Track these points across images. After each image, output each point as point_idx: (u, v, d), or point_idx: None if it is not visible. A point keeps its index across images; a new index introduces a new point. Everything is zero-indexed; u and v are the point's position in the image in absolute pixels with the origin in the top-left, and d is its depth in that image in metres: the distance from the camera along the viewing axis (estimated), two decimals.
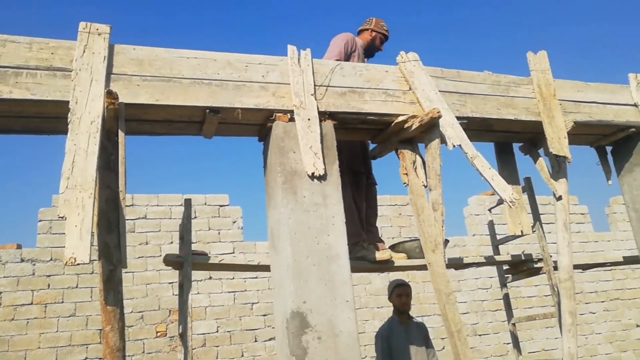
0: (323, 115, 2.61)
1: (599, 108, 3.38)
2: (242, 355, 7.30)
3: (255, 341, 7.42)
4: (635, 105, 3.47)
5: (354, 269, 3.67)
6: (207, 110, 2.54)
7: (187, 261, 3.03)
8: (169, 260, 3.13)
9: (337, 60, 3.32)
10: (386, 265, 3.56)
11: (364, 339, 7.91)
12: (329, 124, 2.61)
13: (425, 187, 2.89)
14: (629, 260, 5.12)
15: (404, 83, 2.85)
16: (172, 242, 7.53)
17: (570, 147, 3.30)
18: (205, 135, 2.78)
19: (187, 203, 3.21)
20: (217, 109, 2.54)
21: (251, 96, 2.60)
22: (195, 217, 7.78)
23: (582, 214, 10.18)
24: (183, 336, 2.95)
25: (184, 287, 2.99)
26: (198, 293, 7.39)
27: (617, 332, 9.58)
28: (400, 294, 4.44)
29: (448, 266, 4.05)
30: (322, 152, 2.55)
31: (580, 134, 3.49)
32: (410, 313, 4.60)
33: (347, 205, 3.66)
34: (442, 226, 2.83)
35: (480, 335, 8.68)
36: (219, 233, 7.85)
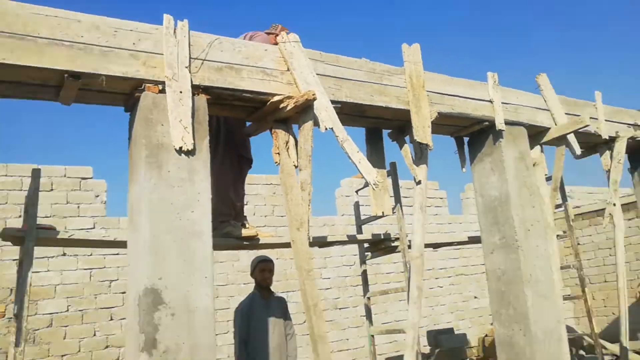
0: (197, 89, 2.47)
1: (460, 101, 3.64)
2: (95, 335, 6.86)
3: (111, 319, 7.01)
4: (490, 101, 3.80)
5: (220, 247, 3.61)
6: (66, 75, 2.28)
7: (29, 236, 2.75)
8: (8, 235, 2.81)
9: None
10: (252, 242, 3.54)
11: (228, 314, 7.87)
12: (202, 99, 2.48)
13: (296, 167, 2.91)
14: (472, 240, 5.69)
15: (282, 63, 2.81)
16: (20, 216, 6.76)
17: (433, 136, 3.52)
18: (63, 101, 2.52)
19: (35, 173, 2.91)
20: (78, 74, 2.30)
21: (119, 63, 2.39)
22: (52, 190, 7.05)
23: (440, 198, 11.10)
24: (18, 317, 2.69)
25: (24, 264, 2.72)
26: (48, 270, 6.76)
27: (459, 303, 10.72)
28: (263, 269, 4.47)
29: (313, 244, 4.16)
30: (193, 126, 2.41)
31: (443, 124, 3.73)
32: (277, 289, 4.67)
33: (223, 183, 3.56)
34: (309, 205, 2.87)
35: (340, 308, 9.13)
36: (79, 207, 7.21)
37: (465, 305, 10.81)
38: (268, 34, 3.70)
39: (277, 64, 2.77)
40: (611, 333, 9.56)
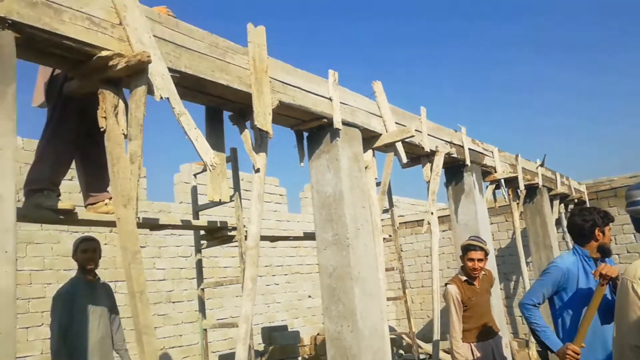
0: (2, 23, 2.12)
1: (302, 94, 3.72)
2: None
3: None
4: (330, 99, 3.95)
5: (28, 218, 3.21)
6: None
7: None
8: None
9: None
10: (69, 217, 3.21)
11: (43, 304, 7.09)
12: (8, 35, 2.13)
13: (125, 136, 2.69)
14: (307, 237, 5.87)
15: (114, 15, 2.56)
16: None
17: (274, 127, 3.54)
18: None
19: None
20: None
21: None
22: None
23: (280, 195, 11.31)
24: None
25: None
26: None
27: (293, 302, 11.00)
28: (85, 249, 4.12)
29: (142, 225, 3.92)
30: None
31: (284, 114, 3.78)
32: (104, 278, 4.32)
33: (58, 148, 3.17)
34: (138, 180, 2.68)
35: (174, 302, 8.77)
36: None
37: (299, 304, 11.13)
38: None
39: (107, 14, 2.52)
40: (426, 333, 10.62)
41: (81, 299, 4.02)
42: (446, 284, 4.27)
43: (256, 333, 8.99)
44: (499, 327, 4.46)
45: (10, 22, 2.12)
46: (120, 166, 2.65)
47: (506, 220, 10.62)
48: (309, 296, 11.30)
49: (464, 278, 4.23)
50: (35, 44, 2.30)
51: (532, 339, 7.85)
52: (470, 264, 4.16)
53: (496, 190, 6.97)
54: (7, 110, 2.15)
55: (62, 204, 3.18)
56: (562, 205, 9.18)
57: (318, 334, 9.79)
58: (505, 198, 7.14)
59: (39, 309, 7.08)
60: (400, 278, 6.53)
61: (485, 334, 4.23)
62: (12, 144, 2.16)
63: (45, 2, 2.25)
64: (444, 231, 10.73)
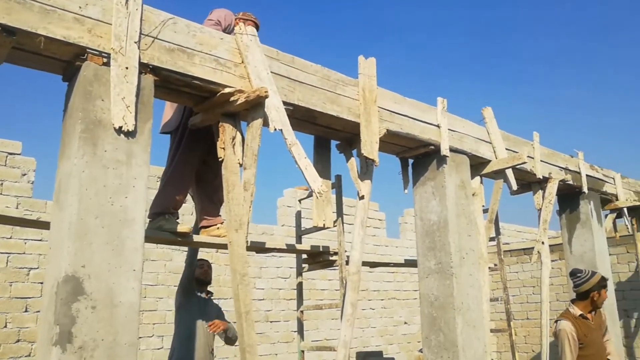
0: (144, 68, 2.36)
1: (409, 122, 3.70)
2: (6, 326, 6.39)
3: (26, 311, 6.56)
4: (438, 126, 3.89)
5: (151, 239, 3.47)
6: (0, 29, 2.11)
7: None
8: None
9: (215, 25, 3.12)
10: (186, 239, 3.43)
11: (155, 317, 7.59)
12: (149, 79, 2.37)
13: (241, 165, 2.84)
14: (408, 263, 5.76)
15: (237, 55, 2.75)
16: None
17: (380, 154, 3.55)
18: None
19: None
20: (14, 29, 2.12)
21: (61, 26, 2.23)
22: None
23: (379, 219, 11.24)
24: None
25: None
26: None
27: (389, 327, 10.81)
28: (201, 264, 4.43)
29: (250, 249, 4.08)
30: (136, 106, 2.31)
31: (390, 142, 3.78)
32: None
33: (176, 177, 3.44)
34: (250, 207, 2.81)
35: (271, 322, 8.98)
36: (2, 184, 6.76)
37: (395, 330, 10.91)
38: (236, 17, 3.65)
39: (231, 54, 2.71)
40: None
41: (194, 304, 4.28)
42: (557, 320, 3.92)
43: (351, 357, 8.93)
44: None
45: (151, 67, 2.34)
46: (235, 193, 2.80)
47: (627, 252, 9.68)
48: (405, 322, 11.04)
49: (579, 313, 3.86)
50: (169, 84, 2.53)
51: None
52: (605, 295, 3.82)
53: (617, 219, 6.41)
54: (143, 144, 2.37)
55: (181, 227, 3.41)
56: None
57: None
58: (628, 228, 6.54)
59: (150, 320, 7.58)
60: (505, 309, 6.16)
61: None
62: (145, 173, 2.37)
63: (180, 47, 2.46)
64: (553, 261, 10.02)
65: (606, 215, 6.27)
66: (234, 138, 2.86)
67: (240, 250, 2.77)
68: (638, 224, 6.87)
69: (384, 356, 9.21)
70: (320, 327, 9.61)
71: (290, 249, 4.42)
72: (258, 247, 4.24)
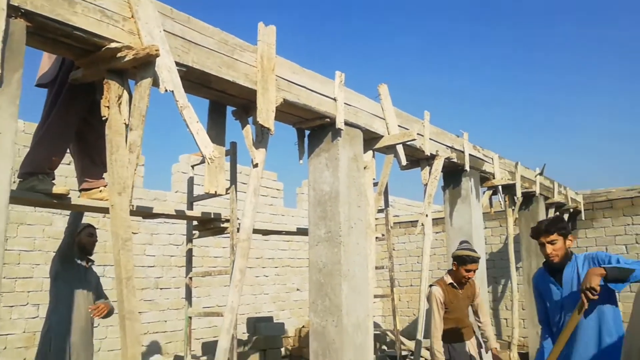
0: (15, 11, 2.11)
1: (307, 93, 3.71)
2: None
3: None
4: (334, 99, 3.95)
5: (20, 200, 3.20)
6: None
7: None
8: None
9: None
10: (63, 201, 3.20)
11: (30, 284, 7.09)
12: (20, 24, 2.12)
13: (127, 126, 2.69)
14: (300, 232, 5.89)
15: (126, 9, 2.55)
16: None
17: (276, 124, 3.54)
18: None
19: None
20: None
21: None
22: None
23: (277, 189, 11.31)
24: None
25: None
26: None
27: (281, 294, 11.05)
28: (91, 233, 4.21)
29: (135, 213, 3.92)
30: (3, 53, 2.07)
31: (287, 112, 3.78)
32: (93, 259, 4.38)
33: (58, 133, 3.15)
34: (135, 169, 2.68)
35: (161, 288, 8.78)
36: None
37: (287, 296, 11.17)
38: None
39: (120, 7, 2.50)
40: (411, 331, 10.71)
41: (74, 272, 4.06)
42: (431, 285, 4.34)
43: (241, 322, 9.03)
44: (477, 333, 4.53)
45: (23, 11, 2.10)
46: (119, 155, 2.65)
47: (500, 226, 10.68)
48: (298, 289, 11.34)
49: (450, 281, 4.28)
50: (45, 32, 2.29)
51: (514, 342, 7.95)
52: (466, 274, 4.19)
53: (493, 196, 7.01)
54: (10, 95, 2.14)
55: (57, 189, 3.17)
56: (558, 214, 9.24)
57: (303, 327, 9.84)
58: (501, 204, 7.18)
59: (25, 288, 7.08)
60: (389, 276, 6.57)
61: (462, 336, 4.34)
62: (12, 127, 2.16)
63: None
64: (437, 233, 10.79)
65: (484, 192, 6.83)
66: (120, 97, 2.68)
67: (123, 215, 2.65)
68: (510, 201, 7.58)
69: (275, 321, 9.43)
70: (213, 294, 9.57)
71: (179, 215, 4.31)
72: (145, 212, 4.08)
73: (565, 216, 9.63)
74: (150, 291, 8.62)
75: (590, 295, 2.64)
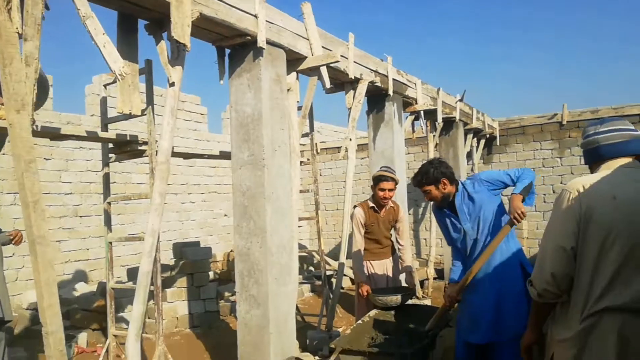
0: None
1: (226, 8, 3.50)
2: None
3: None
4: (255, 16, 3.76)
5: None
6: None
7: None
8: None
9: None
10: None
11: None
12: None
13: (20, 35, 2.43)
14: (222, 155, 5.82)
15: None
16: None
17: (195, 41, 3.34)
18: None
19: None
20: None
21: None
22: None
23: (201, 114, 10.96)
24: None
25: None
26: None
27: (209, 220, 11.04)
28: None
29: (40, 134, 3.67)
30: None
31: (205, 29, 3.56)
32: (3, 188, 4.05)
33: None
34: (34, 85, 2.46)
35: (81, 216, 8.48)
36: None
37: (215, 222, 11.18)
38: None
39: None
40: (337, 252, 11.16)
41: None
42: (354, 207, 4.52)
43: (168, 249, 8.99)
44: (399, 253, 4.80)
45: None
46: (14, 68, 2.42)
47: (422, 151, 11.07)
48: (225, 215, 11.37)
49: (371, 204, 4.46)
50: None
51: (431, 259, 8.54)
52: (381, 193, 4.36)
53: (415, 122, 7.17)
54: None
55: None
56: (475, 139, 9.68)
57: (231, 251, 9.98)
58: (423, 129, 7.39)
59: None
60: (315, 200, 6.72)
61: (381, 255, 4.61)
62: None
63: None
64: (362, 158, 11.03)
65: (406, 117, 6.97)
66: (9, 2, 2.40)
67: (24, 134, 2.46)
68: (431, 126, 7.82)
69: (201, 246, 9.47)
70: (137, 220, 9.39)
71: (91, 137, 4.08)
72: (52, 133, 3.82)
73: (482, 142, 10.13)
74: (69, 219, 8.30)
75: (520, 218, 2.93)
